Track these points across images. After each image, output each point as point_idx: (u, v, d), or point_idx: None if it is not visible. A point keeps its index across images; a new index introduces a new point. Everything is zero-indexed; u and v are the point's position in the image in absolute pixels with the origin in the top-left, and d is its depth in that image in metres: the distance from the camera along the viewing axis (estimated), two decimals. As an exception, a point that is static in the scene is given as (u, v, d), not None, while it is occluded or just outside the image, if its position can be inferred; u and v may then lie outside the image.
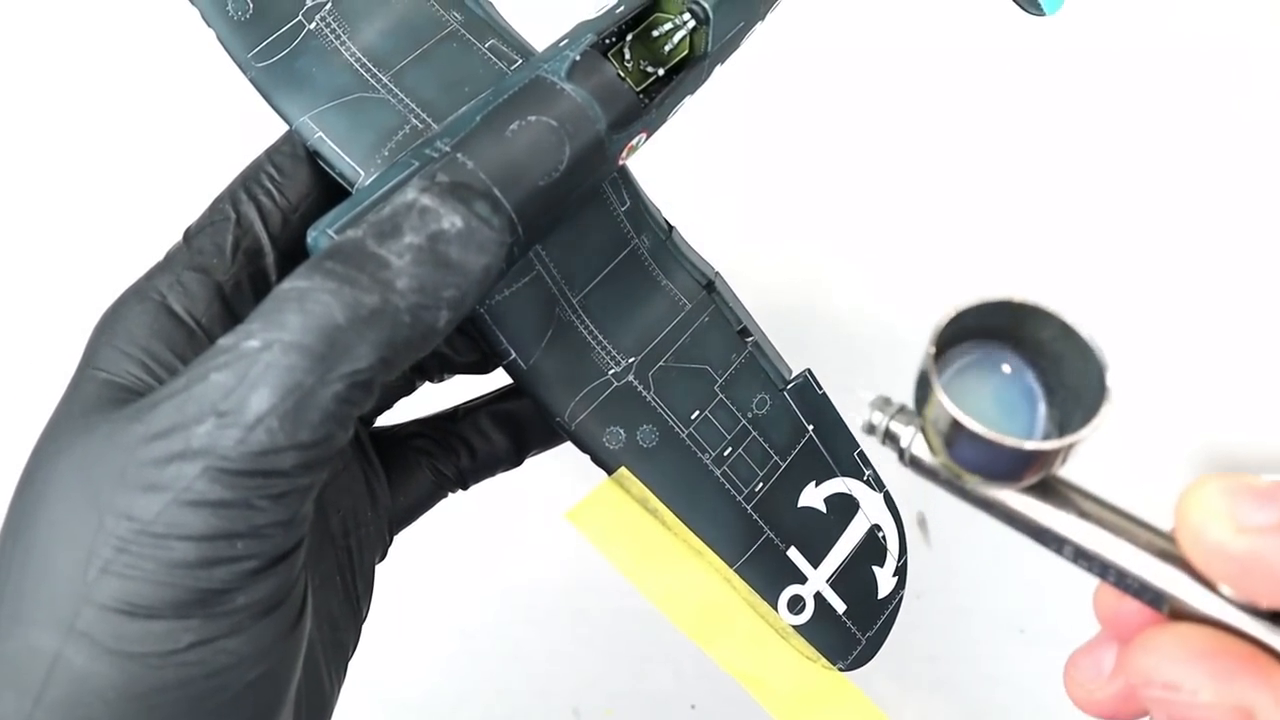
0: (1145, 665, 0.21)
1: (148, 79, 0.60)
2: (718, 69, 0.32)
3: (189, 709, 0.23)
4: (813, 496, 0.32)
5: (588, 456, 0.31)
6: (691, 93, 0.31)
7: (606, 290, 0.31)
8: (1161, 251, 0.60)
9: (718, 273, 0.33)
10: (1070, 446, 0.21)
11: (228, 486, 0.22)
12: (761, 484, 0.31)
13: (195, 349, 0.26)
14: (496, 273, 0.25)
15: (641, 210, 0.31)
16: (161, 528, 0.22)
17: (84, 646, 0.22)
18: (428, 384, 0.34)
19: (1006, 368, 0.23)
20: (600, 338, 0.30)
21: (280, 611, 0.24)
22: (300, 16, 0.29)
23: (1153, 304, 0.59)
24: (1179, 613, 0.21)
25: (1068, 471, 0.23)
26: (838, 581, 0.32)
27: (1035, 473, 0.22)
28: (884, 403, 0.25)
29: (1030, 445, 0.21)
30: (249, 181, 0.28)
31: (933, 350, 0.22)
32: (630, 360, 0.31)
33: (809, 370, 0.33)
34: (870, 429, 0.25)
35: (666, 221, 0.32)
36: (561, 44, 0.29)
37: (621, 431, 0.30)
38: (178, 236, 0.28)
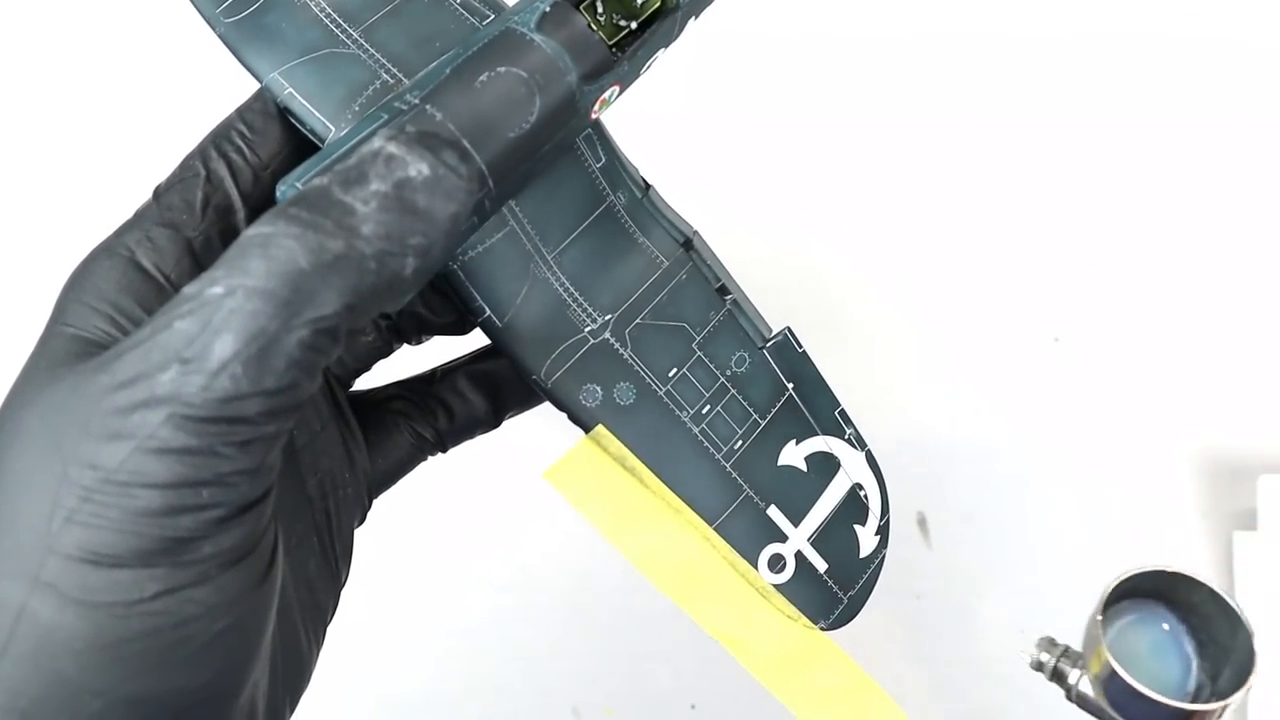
0: None
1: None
2: (691, 22, 0.32)
3: (157, 659, 0.23)
4: (793, 455, 0.32)
5: (565, 415, 0.31)
6: (665, 46, 0.31)
7: (582, 247, 0.30)
8: (1161, 252, 0.60)
9: (696, 231, 0.33)
10: (1224, 708, 0.24)
11: (192, 434, 0.22)
12: (740, 442, 0.31)
13: (164, 303, 0.25)
14: (465, 222, 0.25)
15: (617, 167, 0.31)
16: (125, 476, 0.22)
17: (50, 597, 0.22)
18: (406, 346, 0.34)
19: (1165, 625, 0.27)
20: (576, 295, 0.30)
21: (248, 561, 0.24)
22: None
23: (1154, 304, 0.59)
24: None
25: None
26: (819, 540, 0.32)
27: None
28: (1050, 644, 0.28)
29: (1191, 705, 0.24)
30: (219, 139, 0.28)
31: (1100, 616, 0.25)
32: (607, 318, 0.31)
33: (789, 328, 0.33)
34: (1039, 666, 0.28)
35: (644, 179, 0.32)
36: None
37: (598, 389, 0.30)
38: (147, 195, 0.28)
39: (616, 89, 0.30)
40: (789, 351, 0.33)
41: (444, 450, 0.34)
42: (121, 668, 0.22)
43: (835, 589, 0.33)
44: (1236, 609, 0.24)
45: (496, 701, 0.53)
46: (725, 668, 0.53)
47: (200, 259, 0.27)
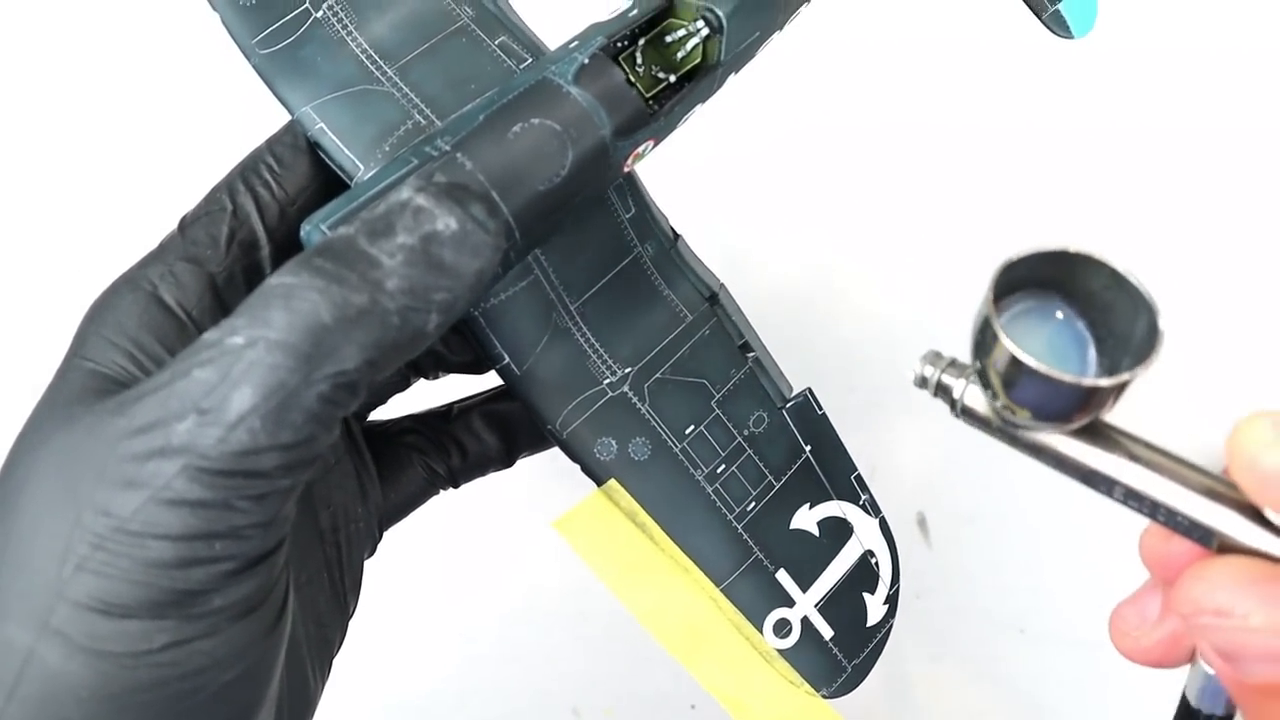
0: (1195, 594, 0.21)
1: (149, 65, 0.60)
2: (731, 78, 0.31)
3: (163, 710, 0.22)
4: (806, 519, 0.32)
5: (578, 466, 0.30)
6: (703, 101, 0.30)
7: (606, 298, 0.30)
8: (1161, 252, 0.60)
9: (722, 285, 0.32)
10: (1123, 386, 0.22)
11: (207, 486, 0.21)
12: (754, 503, 0.31)
13: (185, 341, 0.25)
14: (490, 277, 0.24)
15: (647, 218, 0.31)
16: (139, 526, 0.21)
17: (58, 644, 0.22)
18: (422, 380, 0.34)
19: (1059, 314, 0.25)
20: (597, 346, 0.30)
21: (259, 613, 0.23)
22: (307, 3, 0.28)
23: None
24: (1227, 548, 0.22)
25: (1115, 417, 0.24)
26: (826, 607, 0.31)
27: (1087, 413, 0.23)
28: (935, 357, 0.26)
29: (1088, 381, 0.22)
30: (247, 172, 0.28)
31: (992, 295, 0.23)
32: (627, 370, 0.30)
33: (809, 390, 0.32)
34: (922, 382, 0.26)
35: (672, 229, 0.32)
36: (571, 45, 0.28)
37: (614, 443, 0.30)
38: (174, 226, 0.28)
39: (651, 144, 0.29)
40: (808, 413, 0.32)
41: (455, 486, 0.34)
42: (127, 717, 0.22)
43: (840, 657, 0.32)
44: (1140, 288, 0.22)
45: (497, 702, 0.53)
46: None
47: (223, 295, 0.27)
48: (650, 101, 0.29)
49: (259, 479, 0.22)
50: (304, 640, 0.29)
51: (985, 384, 0.24)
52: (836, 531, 0.32)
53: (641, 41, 0.29)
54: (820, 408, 0.32)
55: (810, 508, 0.32)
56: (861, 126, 0.62)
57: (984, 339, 0.23)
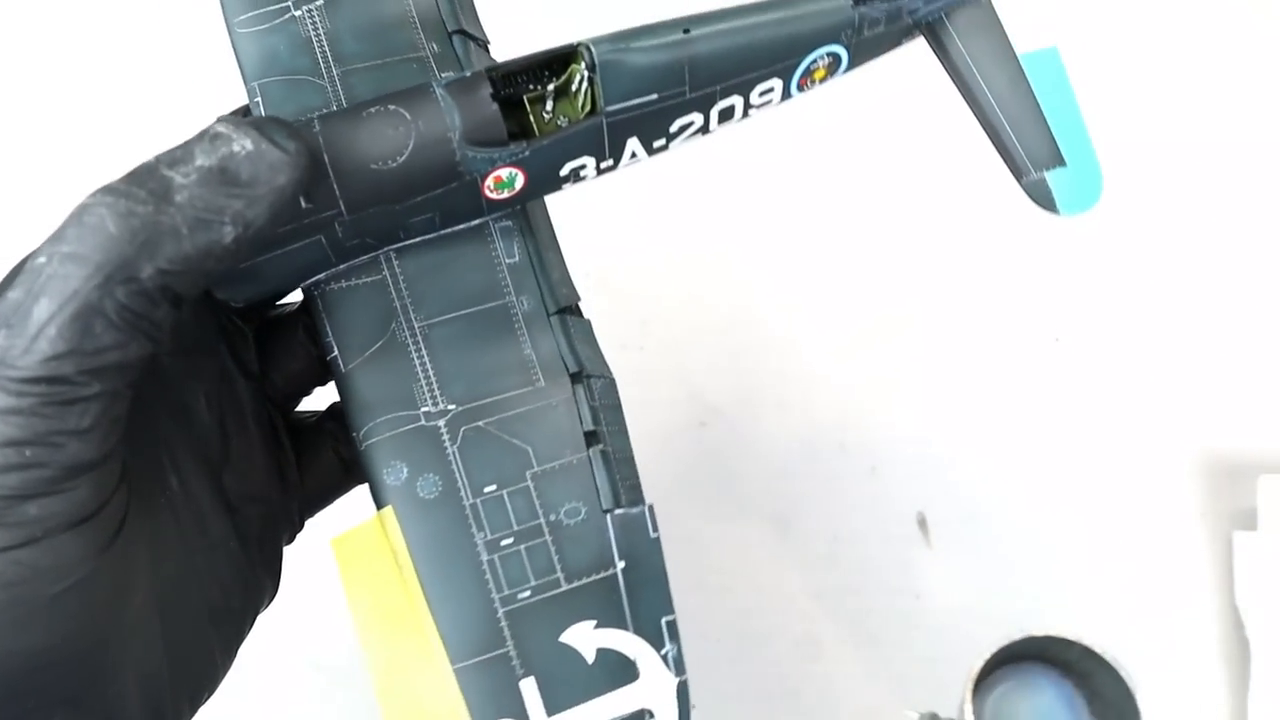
0: None
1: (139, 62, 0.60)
2: (635, 145, 0.31)
3: None
4: (584, 638, 0.28)
5: (367, 484, 0.29)
6: (594, 156, 0.30)
7: (457, 329, 0.30)
8: (1161, 253, 0.60)
9: (611, 379, 0.31)
10: None
11: (14, 394, 0.23)
12: (529, 594, 0.28)
13: None
14: (290, 196, 0.26)
15: (532, 270, 0.30)
16: None
17: None
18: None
19: (1046, 686, 0.26)
20: (430, 372, 0.29)
21: (86, 528, 0.24)
22: (289, 2, 0.31)
23: (1153, 305, 0.59)
24: None
25: None
26: None
27: None
28: (932, 718, 0.27)
29: None
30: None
31: (970, 691, 0.24)
32: (450, 407, 0.29)
33: (650, 506, 0.29)
34: None
35: (572, 303, 0.31)
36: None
37: (405, 471, 0.28)
38: None
39: (519, 174, 0.29)
40: (638, 529, 0.29)
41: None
42: None
43: None
44: (1112, 662, 0.24)
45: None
46: (725, 670, 0.54)
47: None
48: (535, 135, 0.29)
49: (63, 385, 0.24)
50: (203, 604, 0.29)
51: None
52: (616, 669, 0.28)
53: (551, 87, 0.30)
54: (655, 530, 0.29)
55: (595, 628, 0.28)
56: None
57: None
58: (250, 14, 0.31)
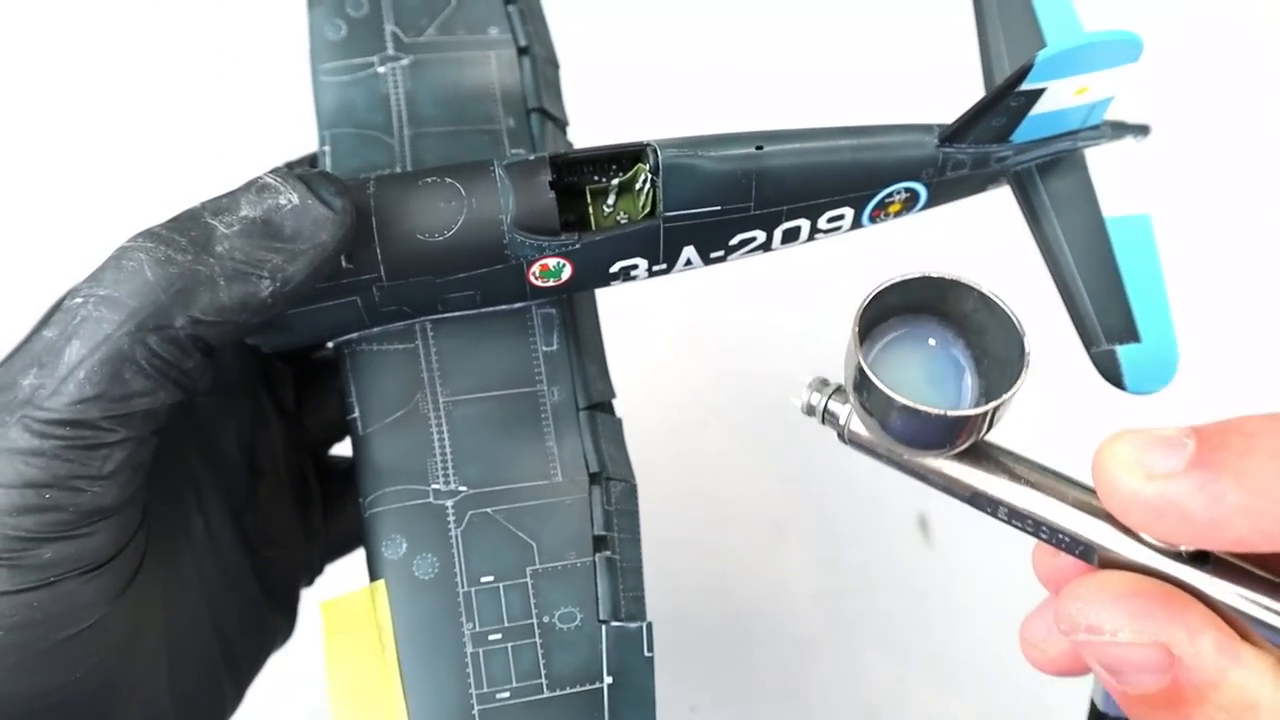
0: (1070, 611, 0.21)
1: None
2: (692, 257, 0.30)
3: None
4: None
5: (364, 551, 0.29)
6: (646, 259, 0.30)
7: (481, 410, 0.29)
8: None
9: (633, 485, 0.30)
10: (994, 410, 0.22)
11: (38, 435, 0.23)
12: (508, 695, 0.27)
13: None
14: (332, 254, 0.25)
15: (569, 363, 0.30)
16: None
17: None
18: None
19: (932, 340, 0.24)
20: (448, 450, 0.29)
21: (101, 574, 0.24)
22: (376, 59, 0.32)
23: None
24: (1108, 562, 0.22)
25: (999, 437, 0.24)
26: None
27: (965, 438, 0.23)
28: (821, 383, 0.26)
29: (954, 412, 0.22)
30: None
31: (857, 330, 0.23)
32: (461, 489, 0.28)
33: (649, 623, 0.28)
34: (810, 410, 0.25)
35: (605, 400, 0.31)
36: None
37: (404, 546, 0.28)
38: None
39: (567, 265, 0.29)
40: (632, 646, 0.27)
41: None
42: None
43: None
44: (1007, 310, 0.23)
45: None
46: (725, 671, 0.54)
47: None
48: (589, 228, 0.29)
49: (87, 429, 0.23)
50: (217, 642, 0.29)
51: (861, 417, 0.24)
52: None
53: (616, 182, 0.29)
54: (651, 649, 0.28)
55: None
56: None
57: (854, 375, 0.23)
58: (336, 63, 0.32)
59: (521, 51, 0.32)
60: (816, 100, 0.63)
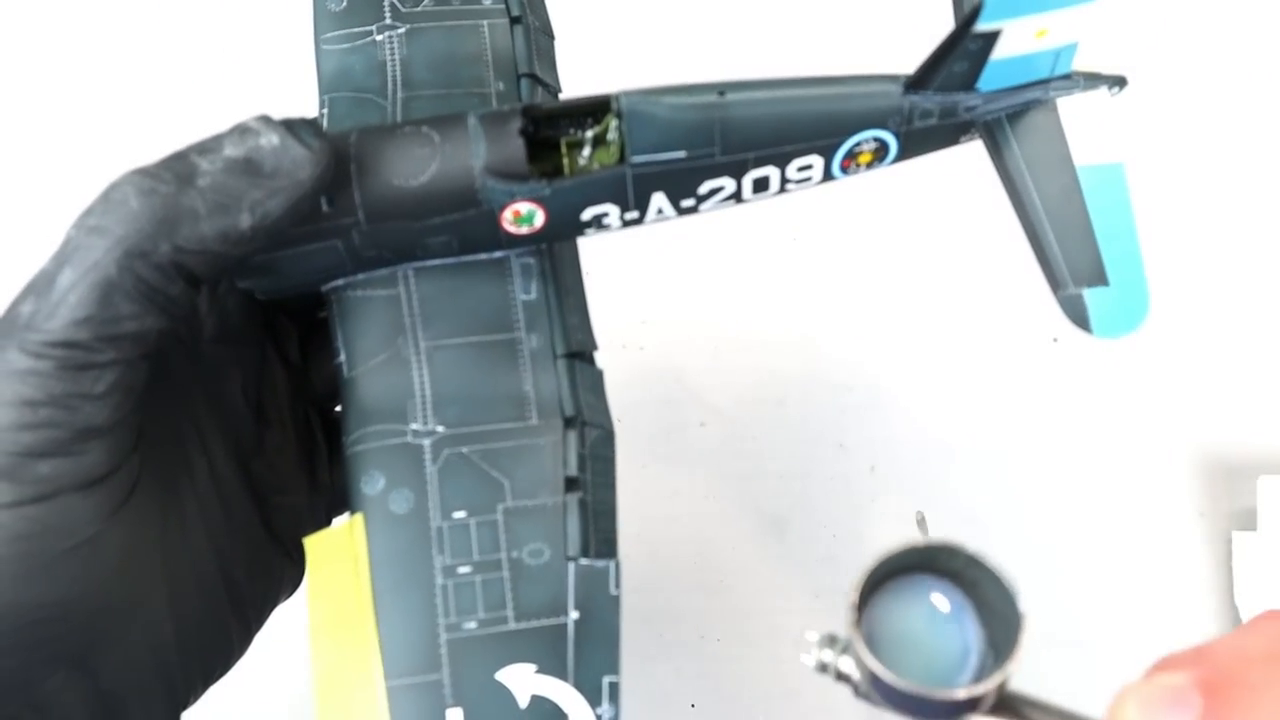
0: None
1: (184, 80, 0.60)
2: (663, 205, 0.31)
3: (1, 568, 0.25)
4: (520, 680, 0.27)
5: (346, 487, 0.30)
6: (618, 205, 0.30)
7: (461, 354, 0.30)
8: (1160, 252, 0.60)
9: (610, 432, 0.31)
10: (1000, 684, 0.22)
11: (33, 356, 0.25)
12: (475, 625, 0.27)
13: None
14: (310, 192, 0.27)
15: (547, 310, 0.31)
16: None
17: None
18: None
19: (936, 596, 0.24)
20: (427, 392, 0.30)
21: (96, 490, 0.26)
22: (374, 28, 0.33)
23: (1152, 305, 0.59)
24: None
25: (1021, 682, 0.23)
26: None
27: (970, 710, 0.23)
28: (830, 640, 0.25)
29: (945, 694, 0.22)
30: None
31: (855, 618, 0.23)
32: (438, 429, 0.29)
33: (617, 562, 0.29)
34: (823, 668, 0.25)
35: (585, 350, 0.31)
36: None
37: (382, 482, 0.29)
38: None
39: (539, 211, 0.30)
40: (598, 583, 0.28)
41: None
42: None
43: None
44: (995, 569, 0.23)
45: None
46: (725, 668, 0.54)
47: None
48: (559, 174, 0.30)
49: (79, 350, 0.25)
50: (222, 581, 0.31)
51: (867, 688, 0.24)
52: (548, 717, 0.27)
53: (589, 134, 0.30)
54: (618, 588, 0.28)
55: (535, 672, 0.28)
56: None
57: (853, 653, 0.23)
58: (337, 32, 0.33)
59: (515, 21, 0.34)
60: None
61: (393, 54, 0.33)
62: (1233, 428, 0.56)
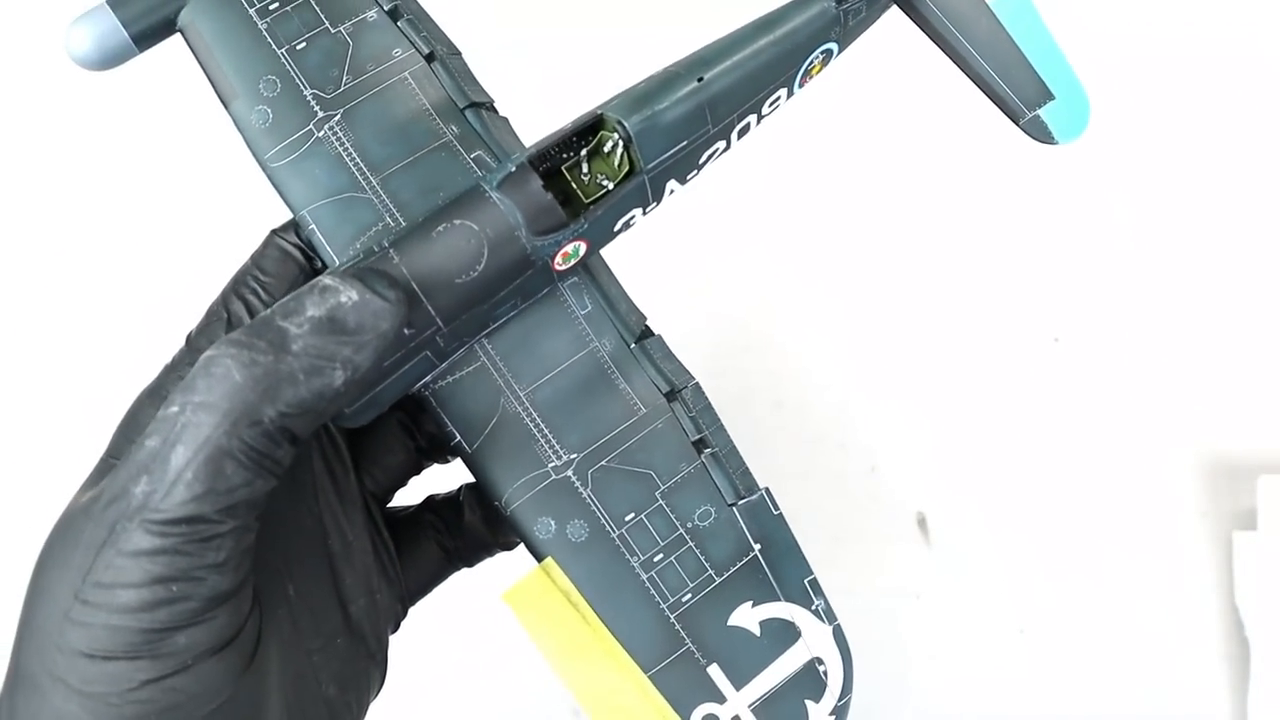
0: None
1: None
2: (677, 187, 0.33)
3: None
4: (747, 617, 0.32)
5: (522, 542, 0.32)
6: (640, 207, 0.33)
7: (558, 386, 0.32)
8: (1161, 253, 0.60)
9: (693, 382, 0.33)
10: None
11: (158, 535, 0.25)
12: (690, 595, 0.31)
13: None
14: (393, 339, 0.28)
15: (605, 314, 0.33)
16: (108, 578, 0.25)
17: (60, 689, 0.26)
18: (435, 465, 0.36)
19: None
20: (545, 430, 0.32)
21: (229, 651, 0.27)
22: (310, 126, 0.33)
23: (1153, 305, 0.59)
24: None
25: None
26: (763, 708, 0.31)
27: None
28: None
29: None
30: (238, 284, 0.32)
31: None
32: (573, 456, 0.32)
33: (766, 489, 0.33)
34: None
35: (643, 326, 0.33)
36: (513, 156, 0.32)
37: (553, 523, 0.31)
38: (182, 341, 0.32)
39: (583, 245, 0.32)
40: (762, 512, 0.32)
41: (469, 564, 0.36)
42: None
43: None
44: None
45: (498, 702, 0.53)
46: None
47: None
48: (585, 206, 0.32)
49: (201, 524, 0.26)
50: (322, 700, 0.31)
51: None
52: (780, 634, 0.32)
53: (584, 152, 0.32)
54: (776, 508, 0.32)
55: (753, 606, 0.32)
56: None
57: None
58: (278, 146, 0.33)
59: (429, 59, 0.34)
60: None
61: (342, 143, 0.33)
62: (1233, 428, 0.56)
